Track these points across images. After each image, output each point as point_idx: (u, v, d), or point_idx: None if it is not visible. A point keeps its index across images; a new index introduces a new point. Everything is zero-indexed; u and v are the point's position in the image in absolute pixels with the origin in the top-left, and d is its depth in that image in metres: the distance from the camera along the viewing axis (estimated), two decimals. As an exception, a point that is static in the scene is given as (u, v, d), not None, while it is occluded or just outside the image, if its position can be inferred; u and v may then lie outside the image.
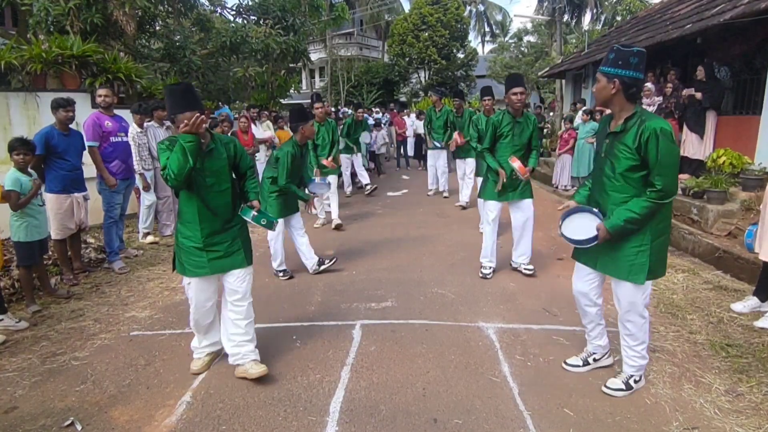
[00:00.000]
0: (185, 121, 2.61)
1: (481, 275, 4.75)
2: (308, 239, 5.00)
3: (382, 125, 12.87)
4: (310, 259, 4.97)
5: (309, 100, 8.46)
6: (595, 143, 2.80)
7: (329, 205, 7.06)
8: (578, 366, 3.02)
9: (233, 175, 3.03)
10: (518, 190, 4.61)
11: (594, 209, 2.70)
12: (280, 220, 4.71)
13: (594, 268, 2.79)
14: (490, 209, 4.71)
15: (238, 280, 2.95)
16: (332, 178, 6.78)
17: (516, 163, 4.36)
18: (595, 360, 3.04)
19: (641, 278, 2.58)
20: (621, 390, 2.76)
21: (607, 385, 2.80)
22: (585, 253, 2.80)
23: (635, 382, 2.78)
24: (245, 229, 3.07)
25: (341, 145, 8.11)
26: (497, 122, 4.58)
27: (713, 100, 6.76)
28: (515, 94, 4.39)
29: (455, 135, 7.86)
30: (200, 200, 2.82)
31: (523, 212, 4.67)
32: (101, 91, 5.24)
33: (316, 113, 6.54)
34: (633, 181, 2.53)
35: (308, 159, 5.25)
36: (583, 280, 2.87)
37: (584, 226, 2.69)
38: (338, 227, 6.78)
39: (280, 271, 4.95)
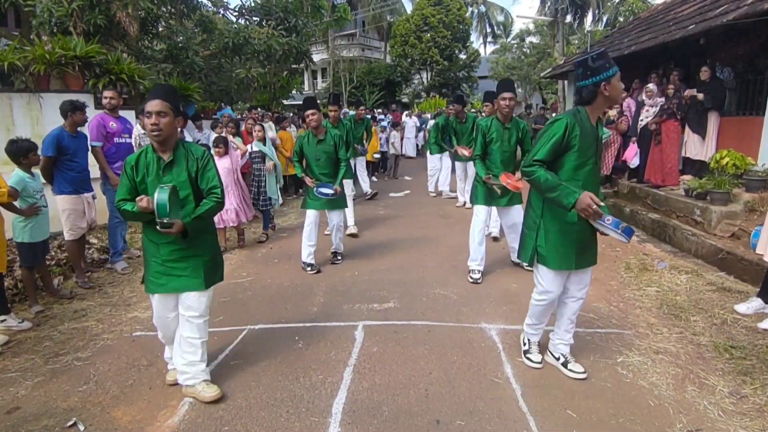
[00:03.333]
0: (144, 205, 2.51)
1: (470, 280, 4.70)
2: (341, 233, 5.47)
3: (388, 127, 12.83)
4: (335, 248, 5.44)
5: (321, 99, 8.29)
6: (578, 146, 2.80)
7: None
8: (582, 370, 2.98)
9: (197, 194, 2.76)
10: (507, 197, 4.67)
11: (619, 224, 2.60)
12: (313, 214, 5.10)
13: (571, 269, 2.87)
14: (478, 213, 4.75)
15: (194, 297, 2.77)
16: (346, 182, 6.36)
17: (508, 181, 4.39)
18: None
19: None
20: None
21: (577, 371, 2.97)
22: (565, 259, 2.82)
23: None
24: (210, 251, 2.86)
25: None
26: (486, 128, 4.62)
27: (715, 101, 6.74)
28: (504, 99, 4.45)
29: (459, 148, 7.58)
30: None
31: (511, 217, 4.79)
32: (108, 93, 5.24)
33: (331, 115, 6.39)
34: None
35: (328, 152, 5.08)
36: (561, 282, 2.94)
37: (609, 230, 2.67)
38: (352, 235, 6.52)
39: (307, 265, 5.13)
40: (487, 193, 4.67)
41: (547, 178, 2.62)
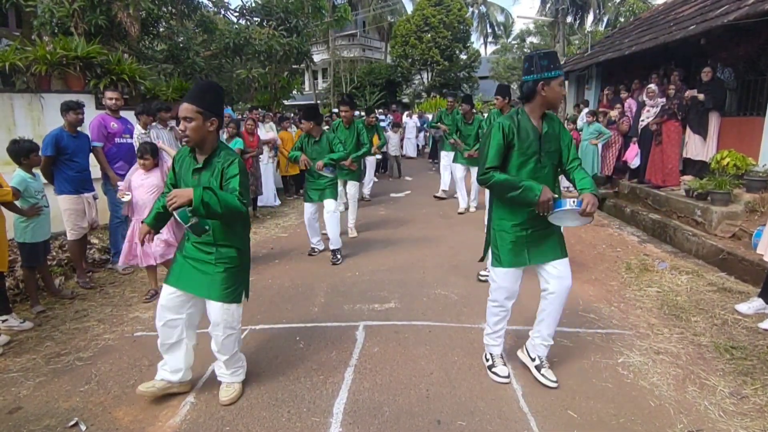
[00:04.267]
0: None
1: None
2: (337, 222, 5.51)
3: (388, 128, 12.84)
4: (331, 243, 5.52)
5: (314, 101, 8.36)
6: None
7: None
8: (555, 379, 2.90)
9: None
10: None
11: (571, 201, 2.61)
12: (312, 206, 5.52)
13: (527, 264, 2.85)
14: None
15: (216, 308, 2.64)
16: (351, 185, 6.51)
17: None
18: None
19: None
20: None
21: (549, 378, 2.89)
22: (518, 255, 2.82)
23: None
24: (234, 262, 2.66)
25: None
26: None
27: (716, 101, 6.75)
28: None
29: (461, 145, 7.58)
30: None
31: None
32: (112, 95, 5.25)
33: (344, 116, 6.39)
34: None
35: (322, 153, 5.24)
36: (518, 281, 2.94)
37: (567, 216, 2.71)
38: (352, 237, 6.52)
39: (312, 248, 5.73)
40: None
41: (506, 178, 2.67)
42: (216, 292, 2.61)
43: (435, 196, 9.17)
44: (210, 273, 2.62)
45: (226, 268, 2.63)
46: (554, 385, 2.86)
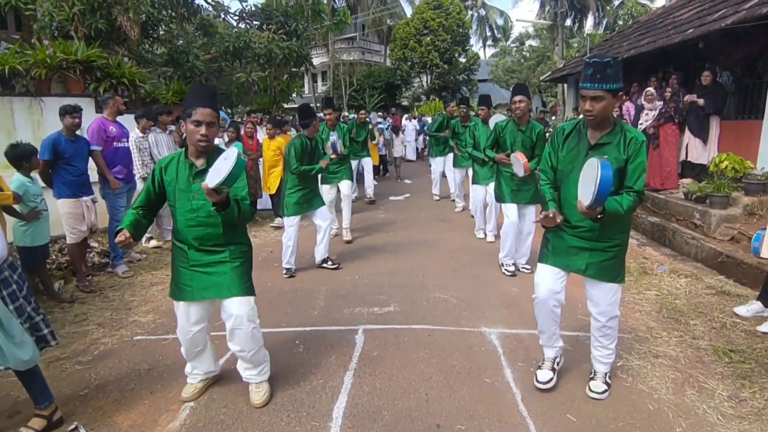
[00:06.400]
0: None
1: (507, 273, 4.98)
2: (329, 237, 5.35)
3: (384, 131, 12.86)
4: (319, 253, 5.33)
5: (313, 104, 8.39)
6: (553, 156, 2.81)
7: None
8: (551, 379, 2.88)
9: None
10: (530, 194, 4.83)
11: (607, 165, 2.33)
12: (295, 219, 5.05)
13: (566, 270, 2.77)
14: (510, 213, 4.90)
15: (236, 303, 2.65)
16: (345, 184, 6.38)
17: (523, 160, 4.41)
18: (558, 364, 3.00)
19: (623, 278, 2.73)
20: (606, 390, 2.81)
21: (593, 390, 2.81)
22: (558, 256, 2.76)
23: (609, 378, 2.89)
24: (240, 258, 2.72)
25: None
26: (501, 128, 4.83)
27: (716, 106, 6.76)
28: (515, 102, 4.66)
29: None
30: (182, 222, 2.61)
31: (527, 224, 4.97)
32: (120, 99, 5.42)
33: (327, 119, 6.40)
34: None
35: (319, 151, 5.25)
36: (554, 280, 2.78)
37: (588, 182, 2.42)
38: (348, 242, 6.41)
39: (285, 269, 5.13)
40: (514, 191, 4.85)
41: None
42: (237, 287, 2.66)
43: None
44: (226, 272, 2.65)
45: (241, 263, 2.71)
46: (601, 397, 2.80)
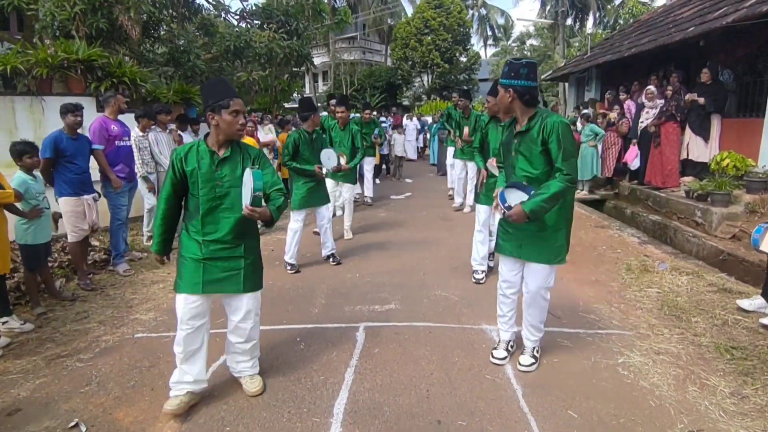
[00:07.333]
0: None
1: (473, 280, 4.75)
2: (331, 231, 5.47)
3: (389, 130, 12.83)
4: (326, 248, 5.44)
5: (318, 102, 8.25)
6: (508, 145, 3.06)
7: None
8: (506, 357, 3.16)
9: None
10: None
11: (528, 186, 2.81)
12: (302, 214, 5.15)
13: (519, 257, 3.01)
14: (479, 213, 4.80)
15: (245, 299, 2.74)
16: (347, 188, 6.44)
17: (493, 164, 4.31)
18: (512, 347, 3.25)
19: (563, 259, 2.95)
20: (534, 363, 3.08)
21: (522, 363, 3.07)
22: (509, 244, 3.01)
23: (538, 352, 3.17)
24: (253, 254, 2.79)
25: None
26: (483, 123, 4.72)
27: (717, 104, 6.75)
28: (488, 101, 4.55)
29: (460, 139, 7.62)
30: (204, 211, 2.63)
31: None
32: (123, 98, 5.43)
33: (339, 117, 6.25)
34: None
35: (322, 142, 5.26)
36: (510, 269, 3.09)
37: (515, 199, 2.83)
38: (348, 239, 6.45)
39: (288, 264, 5.19)
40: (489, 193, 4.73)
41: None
42: (250, 282, 2.74)
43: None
44: (240, 267, 2.71)
45: (254, 258, 2.79)
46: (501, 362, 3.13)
